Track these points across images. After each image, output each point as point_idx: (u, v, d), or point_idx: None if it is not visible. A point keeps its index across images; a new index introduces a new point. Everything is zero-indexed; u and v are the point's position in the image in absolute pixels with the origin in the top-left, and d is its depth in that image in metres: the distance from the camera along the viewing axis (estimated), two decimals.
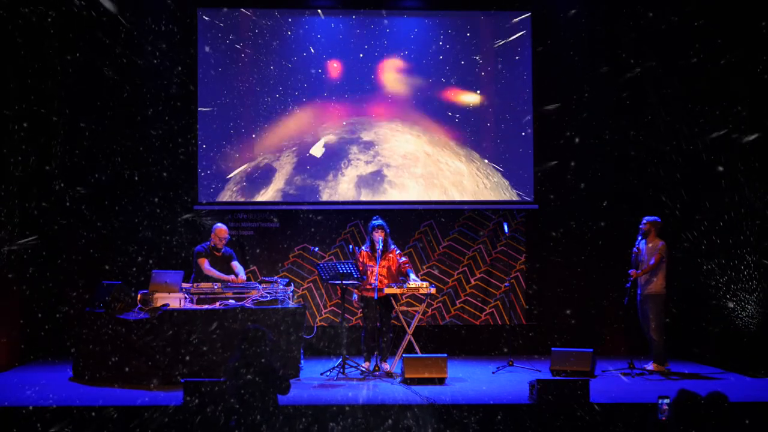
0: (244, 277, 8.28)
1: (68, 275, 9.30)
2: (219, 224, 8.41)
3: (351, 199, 9.62)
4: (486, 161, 9.71)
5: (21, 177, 8.38)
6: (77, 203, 9.27)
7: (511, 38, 9.78)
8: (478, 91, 9.75)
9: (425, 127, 9.74)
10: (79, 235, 9.29)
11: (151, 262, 9.14)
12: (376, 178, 9.70)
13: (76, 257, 9.30)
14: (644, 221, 8.20)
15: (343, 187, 9.65)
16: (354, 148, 9.71)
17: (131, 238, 9.29)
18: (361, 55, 9.71)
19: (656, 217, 8.22)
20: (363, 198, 9.63)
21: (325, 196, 9.60)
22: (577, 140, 9.67)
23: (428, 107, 9.74)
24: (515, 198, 9.72)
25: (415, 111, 9.73)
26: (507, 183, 9.74)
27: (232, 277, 8.14)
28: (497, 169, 9.74)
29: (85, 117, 9.25)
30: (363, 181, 9.68)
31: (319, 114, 9.67)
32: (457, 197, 9.71)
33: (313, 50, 9.67)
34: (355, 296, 8.33)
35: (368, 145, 9.72)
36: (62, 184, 9.18)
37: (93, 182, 9.27)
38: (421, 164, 9.73)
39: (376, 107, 9.72)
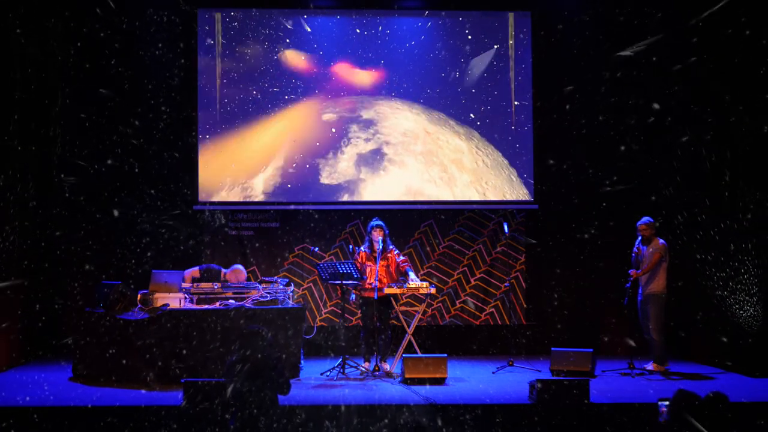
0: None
1: (67, 268, 9.29)
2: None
3: (350, 177, 9.62)
4: (485, 140, 9.72)
5: (21, 169, 8.37)
6: (77, 195, 9.28)
7: (511, 37, 9.77)
8: (478, 91, 9.75)
9: (425, 106, 9.75)
10: (79, 227, 9.29)
11: (149, 254, 9.15)
12: (375, 156, 9.70)
13: (75, 248, 9.29)
14: (642, 225, 8.15)
15: (342, 166, 9.64)
16: (354, 127, 9.71)
17: (131, 231, 9.29)
18: (360, 51, 9.72)
19: (650, 218, 8.20)
20: (363, 176, 9.63)
21: (324, 174, 9.59)
22: (577, 139, 9.67)
23: (429, 103, 9.74)
24: (514, 178, 9.70)
25: (415, 103, 9.73)
26: (506, 162, 9.73)
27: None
28: (497, 149, 9.74)
29: (86, 110, 9.26)
30: (362, 159, 9.68)
31: (319, 105, 9.67)
32: (457, 175, 9.69)
33: (313, 47, 9.68)
34: (353, 297, 8.32)
35: (368, 123, 9.72)
36: (62, 176, 9.19)
37: (93, 174, 9.28)
38: (420, 142, 9.73)
39: (377, 89, 9.71)
